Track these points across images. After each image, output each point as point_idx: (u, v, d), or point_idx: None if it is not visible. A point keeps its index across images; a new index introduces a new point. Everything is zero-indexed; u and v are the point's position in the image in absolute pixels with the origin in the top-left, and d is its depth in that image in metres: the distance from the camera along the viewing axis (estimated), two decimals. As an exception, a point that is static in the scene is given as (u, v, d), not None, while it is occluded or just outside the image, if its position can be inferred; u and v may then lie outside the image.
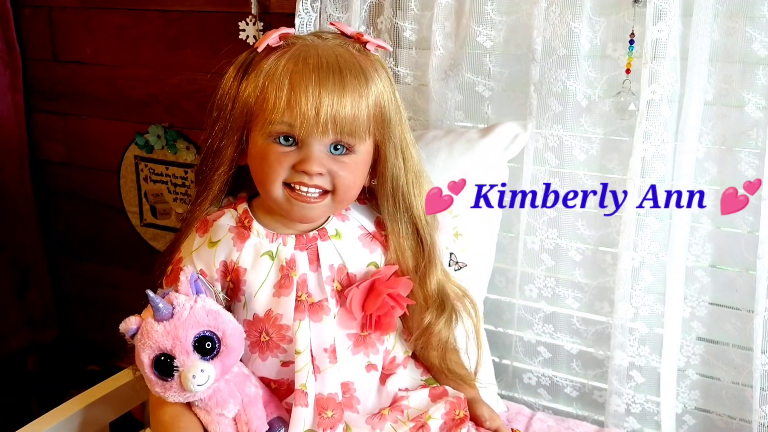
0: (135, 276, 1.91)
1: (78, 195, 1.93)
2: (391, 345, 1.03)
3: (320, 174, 0.88)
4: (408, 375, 1.05)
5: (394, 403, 1.00)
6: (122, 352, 0.99)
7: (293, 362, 0.95)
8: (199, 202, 0.97)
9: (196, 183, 0.99)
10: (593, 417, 1.29)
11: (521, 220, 1.25)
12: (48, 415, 1.08)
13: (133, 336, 0.88)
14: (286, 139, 0.88)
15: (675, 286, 1.14)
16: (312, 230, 0.96)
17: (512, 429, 1.02)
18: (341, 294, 0.96)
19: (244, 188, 1.00)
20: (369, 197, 1.03)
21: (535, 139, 1.19)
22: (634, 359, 1.21)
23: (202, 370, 0.85)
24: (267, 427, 0.92)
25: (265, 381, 0.96)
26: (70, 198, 1.94)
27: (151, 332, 0.86)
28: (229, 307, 0.95)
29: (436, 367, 1.06)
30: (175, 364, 0.86)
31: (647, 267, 1.18)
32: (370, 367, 0.99)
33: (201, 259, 0.95)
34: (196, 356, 0.86)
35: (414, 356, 1.07)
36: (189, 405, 0.92)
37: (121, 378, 1.18)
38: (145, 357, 0.87)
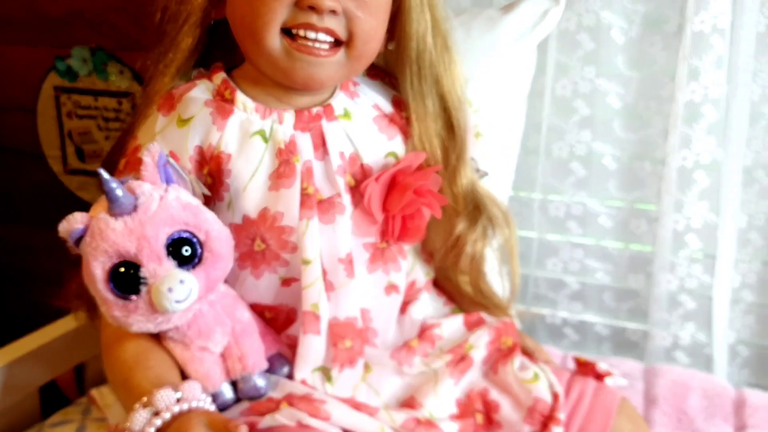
0: (56, 237, 1.61)
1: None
2: (409, 266, 0.81)
3: (333, 12, 0.65)
4: (430, 303, 0.83)
5: (423, 333, 0.78)
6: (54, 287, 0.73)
7: (296, 279, 0.71)
8: (160, 73, 0.72)
9: (152, 51, 0.74)
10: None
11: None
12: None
13: (78, 241, 0.62)
14: None
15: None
16: (314, 106, 0.72)
17: (574, 357, 0.81)
18: (354, 191, 0.73)
19: (217, 60, 0.75)
20: (382, 72, 0.80)
21: (566, 17, 0.99)
22: (684, 280, 1.04)
23: (181, 281, 0.61)
24: (266, 364, 0.69)
25: (256, 309, 0.72)
26: (-29, 145, 1.62)
27: (106, 231, 0.61)
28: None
29: (464, 293, 0.84)
30: (141, 275, 0.61)
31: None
32: (391, 288, 0.77)
33: (168, 143, 0.70)
34: (171, 263, 0.62)
35: (434, 284, 0.86)
36: (158, 338, 0.67)
37: (57, 329, 0.91)
38: (98, 268, 0.61)
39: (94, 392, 0.85)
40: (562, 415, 0.72)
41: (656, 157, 1.06)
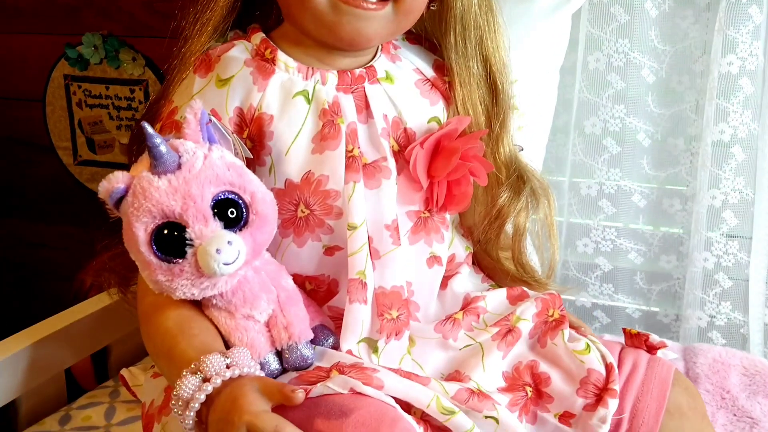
0: (68, 231, 1.57)
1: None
2: (449, 240, 0.78)
3: None
4: (469, 279, 0.80)
5: (467, 306, 0.75)
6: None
7: (340, 248, 0.68)
8: (196, 32, 0.69)
9: (187, 11, 0.71)
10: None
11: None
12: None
13: (118, 202, 0.59)
14: None
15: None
16: (357, 68, 0.70)
17: (624, 329, 0.79)
18: (398, 156, 0.70)
19: (252, 23, 0.73)
20: (421, 37, 0.78)
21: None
22: (720, 258, 1.01)
23: (229, 242, 0.58)
24: (312, 334, 0.66)
25: (297, 281, 0.69)
26: (-21, 138, 1.58)
27: (149, 190, 0.58)
28: (248, 172, 0.67)
29: (504, 270, 0.81)
30: (187, 237, 0.58)
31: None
32: (433, 260, 0.74)
33: (207, 106, 0.67)
34: (217, 224, 0.59)
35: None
36: (200, 307, 0.64)
37: (82, 310, 0.88)
38: (140, 229, 0.58)
39: (124, 372, 0.82)
40: (617, 387, 0.69)
41: (689, 134, 1.04)
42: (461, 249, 0.80)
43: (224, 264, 0.58)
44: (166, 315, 0.63)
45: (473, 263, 0.83)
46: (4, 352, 0.77)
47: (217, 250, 0.57)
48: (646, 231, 1.09)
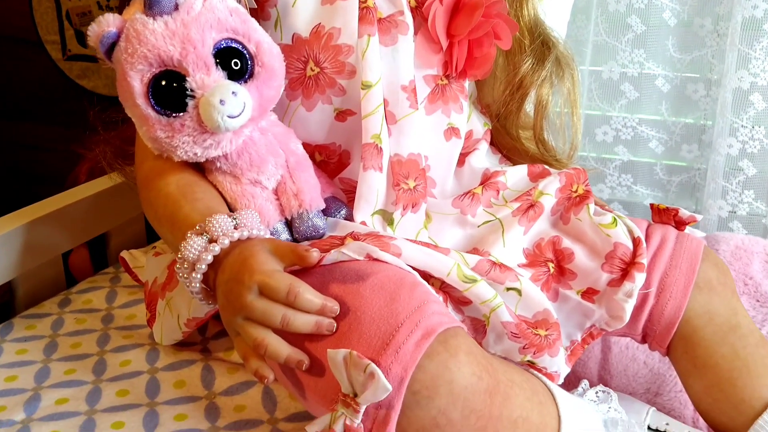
0: (59, 131, 1.51)
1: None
2: (466, 115, 0.73)
3: None
4: (487, 158, 0.76)
5: (486, 181, 0.71)
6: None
7: (353, 113, 0.63)
8: None
9: None
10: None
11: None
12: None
13: (110, 49, 0.54)
14: None
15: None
16: None
17: (652, 204, 0.74)
18: (416, 12, 0.64)
19: None
20: None
21: None
22: (746, 144, 0.97)
23: (234, 93, 0.53)
24: (323, 203, 0.61)
25: (306, 151, 0.64)
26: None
27: (144, 34, 0.52)
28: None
29: (524, 149, 0.77)
30: (187, 87, 0.53)
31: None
32: (451, 132, 0.69)
33: None
34: (220, 74, 0.53)
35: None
36: (203, 172, 0.60)
37: (79, 193, 0.83)
38: (136, 79, 0.53)
39: (125, 254, 0.78)
40: (644, 260, 0.65)
41: (710, 80, 0.99)
42: (479, 125, 0.75)
43: (229, 117, 0.53)
44: (167, 180, 0.59)
45: (492, 144, 0.78)
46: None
47: (221, 101, 0.52)
48: (669, 119, 1.04)
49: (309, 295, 0.50)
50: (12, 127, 1.55)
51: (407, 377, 0.49)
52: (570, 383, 0.65)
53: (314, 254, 0.50)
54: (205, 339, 0.70)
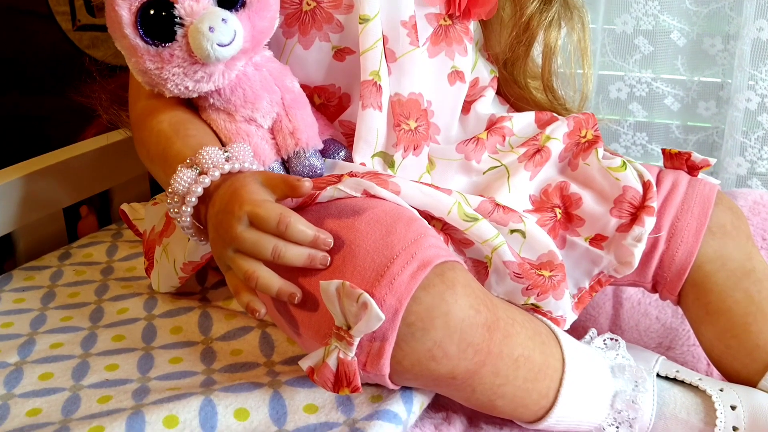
0: (69, 103, 1.51)
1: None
2: (472, 62, 0.70)
3: None
4: (493, 105, 0.73)
5: (492, 126, 0.69)
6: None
7: (352, 52, 0.61)
8: None
9: None
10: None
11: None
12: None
13: (98, -21, 0.53)
14: None
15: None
16: None
17: (663, 149, 0.72)
18: None
19: None
20: None
21: None
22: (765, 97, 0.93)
23: (223, 20, 0.51)
24: (321, 144, 0.60)
25: (305, 92, 0.63)
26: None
27: (130, -40, 0.51)
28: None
29: (532, 99, 0.74)
30: (176, 15, 0.51)
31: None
32: (455, 76, 0.67)
33: None
34: (210, 0, 0.52)
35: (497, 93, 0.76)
36: (196, 111, 0.58)
37: (80, 147, 0.83)
38: (124, 8, 0.52)
39: (125, 207, 0.77)
40: (655, 204, 0.63)
41: (728, 33, 0.95)
42: (485, 72, 0.73)
43: (219, 45, 0.51)
44: (160, 118, 0.58)
45: (500, 94, 0.76)
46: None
47: (210, 28, 0.51)
48: (685, 75, 1.01)
49: (301, 225, 0.48)
50: (23, 99, 1.55)
51: (402, 309, 0.47)
52: (579, 336, 0.63)
53: (306, 184, 0.49)
54: (204, 288, 0.69)
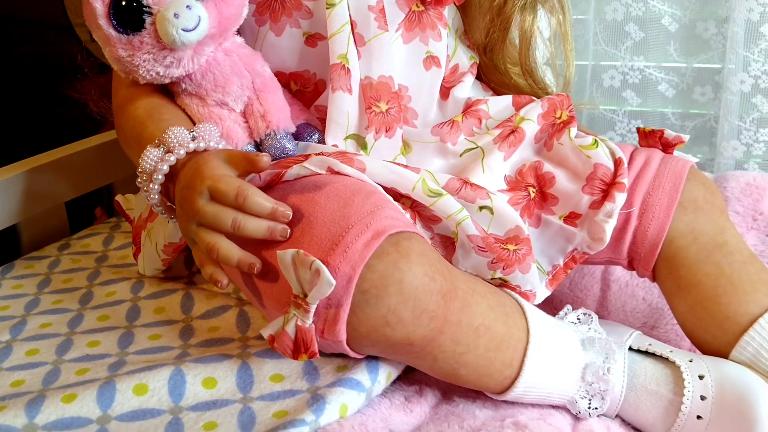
0: (88, 113, 1.56)
1: (4, 16, 1.56)
2: (451, 49, 0.72)
3: None
4: (473, 90, 0.75)
5: (468, 109, 0.70)
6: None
7: (323, 37, 0.63)
8: None
9: None
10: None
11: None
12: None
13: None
14: None
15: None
16: None
17: (638, 128, 0.72)
18: None
19: None
20: None
21: None
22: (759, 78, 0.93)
23: (188, 7, 0.54)
24: (293, 127, 0.62)
25: (282, 80, 0.65)
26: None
27: (100, -47, 0.54)
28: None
29: (513, 85, 0.75)
30: (144, 4, 0.54)
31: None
32: (430, 61, 0.68)
33: None
34: (176, -11, 0.55)
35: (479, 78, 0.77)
36: (172, 98, 0.61)
37: (82, 144, 0.86)
38: (98, 1, 0.55)
39: (119, 198, 0.80)
40: (625, 180, 0.64)
41: (720, 16, 0.96)
42: (465, 58, 0.74)
43: (183, 30, 0.54)
44: (137, 104, 0.60)
45: (482, 80, 0.77)
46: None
47: (175, 14, 0.53)
48: (679, 61, 1.01)
49: (258, 198, 0.50)
50: (44, 111, 1.61)
51: (355, 276, 0.49)
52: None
53: (265, 158, 0.51)
54: (191, 273, 0.72)
